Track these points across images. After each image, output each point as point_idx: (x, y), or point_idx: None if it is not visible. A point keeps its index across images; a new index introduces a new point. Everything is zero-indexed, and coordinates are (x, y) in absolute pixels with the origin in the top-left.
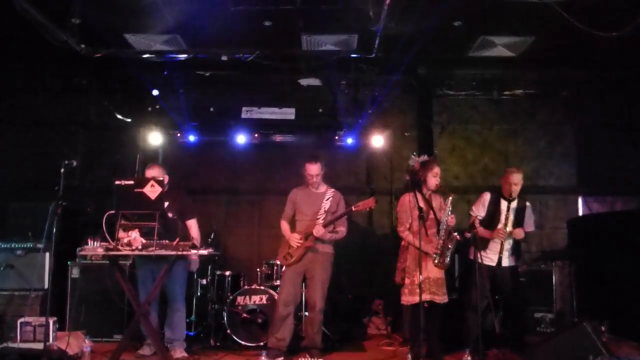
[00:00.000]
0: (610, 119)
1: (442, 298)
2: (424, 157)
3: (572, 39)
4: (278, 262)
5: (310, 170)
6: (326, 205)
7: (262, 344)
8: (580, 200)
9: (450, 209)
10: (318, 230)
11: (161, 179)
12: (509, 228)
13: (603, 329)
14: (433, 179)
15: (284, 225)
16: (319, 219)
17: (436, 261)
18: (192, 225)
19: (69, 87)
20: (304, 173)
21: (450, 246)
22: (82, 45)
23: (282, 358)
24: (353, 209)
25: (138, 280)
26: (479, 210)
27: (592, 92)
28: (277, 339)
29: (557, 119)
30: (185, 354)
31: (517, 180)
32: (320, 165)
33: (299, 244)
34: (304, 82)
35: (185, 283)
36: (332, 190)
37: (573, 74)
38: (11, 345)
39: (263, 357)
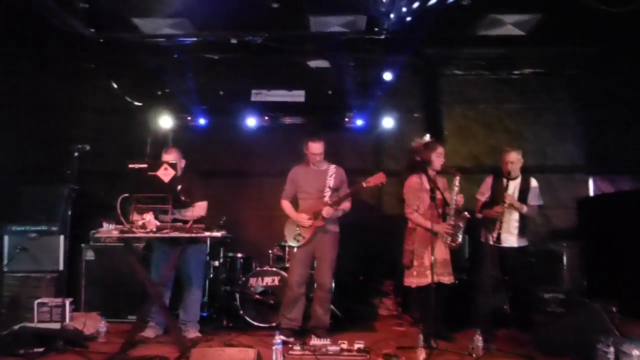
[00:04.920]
0: (618, 97)
1: (449, 278)
2: (427, 138)
3: (581, 16)
4: (289, 244)
5: (314, 149)
6: (330, 182)
7: (274, 324)
8: (590, 180)
9: (458, 188)
10: (328, 212)
11: (174, 162)
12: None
13: (613, 309)
14: (437, 159)
15: (287, 205)
16: (324, 197)
17: (449, 241)
18: (202, 207)
19: (77, 71)
20: (305, 152)
21: (461, 225)
22: (91, 29)
23: (293, 339)
24: (364, 185)
25: (152, 263)
26: (484, 194)
27: (601, 69)
28: (289, 319)
29: (565, 97)
30: (199, 334)
31: (512, 159)
32: (322, 143)
33: (309, 224)
34: (313, 64)
35: (201, 267)
36: (334, 166)
37: (581, 51)
38: (28, 325)
39: (277, 337)
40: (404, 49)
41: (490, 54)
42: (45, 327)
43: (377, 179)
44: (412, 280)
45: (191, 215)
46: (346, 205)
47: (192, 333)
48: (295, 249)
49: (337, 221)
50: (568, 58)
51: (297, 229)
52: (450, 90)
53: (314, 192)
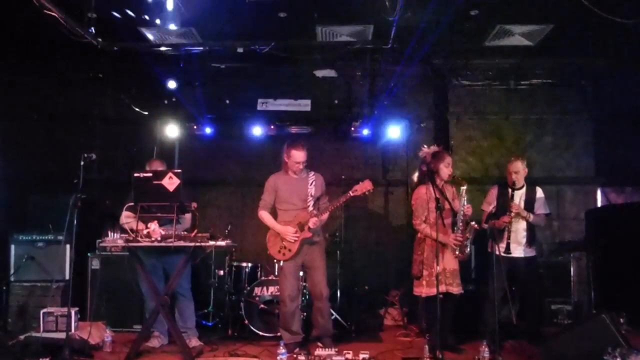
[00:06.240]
0: (628, 109)
1: (457, 289)
2: (434, 148)
3: (591, 27)
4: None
5: (297, 157)
6: (312, 190)
7: (279, 334)
8: (598, 191)
9: (465, 198)
10: (314, 223)
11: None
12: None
13: (621, 321)
14: (445, 169)
15: (267, 216)
16: (308, 206)
17: (457, 252)
18: (189, 218)
19: (85, 80)
20: (286, 159)
21: (469, 236)
22: (99, 39)
23: (298, 349)
24: (351, 193)
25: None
26: (489, 205)
27: (611, 81)
28: (292, 332)
29: (575, 108)
30: (200, 343)
31: (516, 168)
32: (306, 151)
33: (296, 239)
34: (320, 73)
35: (189, 273)
36: (313, 173)
37: (591, 62)
38: (34, 334)
39: (281, 348)
40: (412, 58)
41: (499, 64)
42: (52, 337)
43: (363, 186)
44: (422, 290)
45: (183, 227)
46: (324, 215)
47: (194, 342)
48: (282, 263)
49: (320, 230)
50: (577, 69)
51: (282, 241)
52: (458, 101)
53: (297, 202)
